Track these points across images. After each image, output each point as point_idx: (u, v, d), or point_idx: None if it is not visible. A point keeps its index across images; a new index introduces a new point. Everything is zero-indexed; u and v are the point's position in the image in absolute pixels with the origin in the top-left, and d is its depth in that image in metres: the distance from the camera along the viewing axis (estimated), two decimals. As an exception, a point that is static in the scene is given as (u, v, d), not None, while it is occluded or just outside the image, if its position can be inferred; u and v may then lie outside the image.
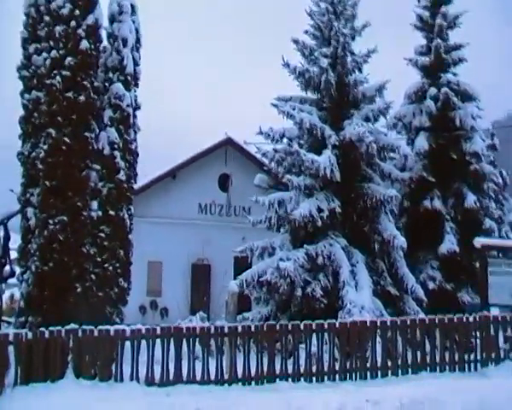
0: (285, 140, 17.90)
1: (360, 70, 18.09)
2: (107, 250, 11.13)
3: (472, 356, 12.21)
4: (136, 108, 12.68)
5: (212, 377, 10.25)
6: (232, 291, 12.66)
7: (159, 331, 10.05)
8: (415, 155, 18.23)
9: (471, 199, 17.36)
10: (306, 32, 18.62)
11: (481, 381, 11.43)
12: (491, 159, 30.90)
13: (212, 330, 10.43)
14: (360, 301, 14.59)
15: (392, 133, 19.29)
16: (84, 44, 10.76)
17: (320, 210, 15.89)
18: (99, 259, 10.97)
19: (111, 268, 11.11)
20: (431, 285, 16.89)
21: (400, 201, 18.28)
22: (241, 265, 19.10)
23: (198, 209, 23.75)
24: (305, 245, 15.60)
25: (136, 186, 22.97)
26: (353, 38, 18.30)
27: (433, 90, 18.50)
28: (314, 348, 11.05)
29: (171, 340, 10.07)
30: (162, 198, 23.13)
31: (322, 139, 16.96)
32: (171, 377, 10.02)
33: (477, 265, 15.90)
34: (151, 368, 9.91)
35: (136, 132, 12.55)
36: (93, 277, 10.78)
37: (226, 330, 10.47)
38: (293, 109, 17.16)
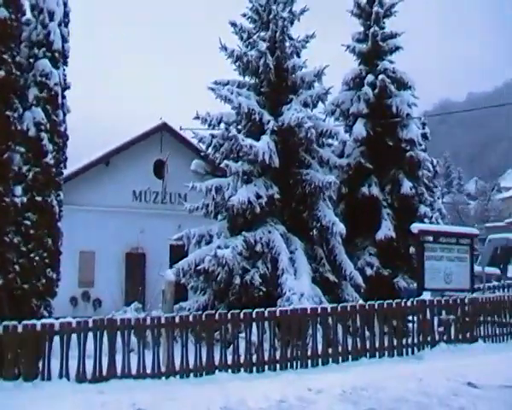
0: (222, 125, 17.46)
1: (298, 55, 17.86)
2: (33, 239, 10.29)
3: (409, 341, 12.35)
4: (65, 87, 11.83)
5: (149, 370, 9.78)
6: (169, 280, 12.16)
7: (91, 324, 9.47)
8: (353, 142, 18.28)
9: (407, 185, 17.58)
10: (244, 15, 18.18)
11: (418, 364, 11.57)
12: (423, 147, 31.84)
13: (148, 321, 9.95)
14: (299, 289, 14.41)
15: (330, 120, 19.24)
16: (2, 13, 9.83)
17: (258, 196, 15.60)
18: (24, 248, 10.13)
19: (37, 258, 10.30)
20: (368, 271, 16.99)
21: (338, 187, 18.30)
22: (178, 253, 18.55)
23: (132, 197, 22.91)
24: (243, 232, 15.26)
25: (67, 172, 21.82)
26: (292, 23, 17.98)
27: (370, 78, 18.55)
28: (254, 338, 10.79)
29: (104, 333, 9.50)
30: (95, 185, 22.13)
31: (260, 125, 16.64)
32: (104, 372, 9.46)
33: (412, 250, 16.16)
34: (82, 364, 9.30)
35: (65, 114, 11.71)
36: (17, 268, 9.95)
37: (163, 320, 10.00)
38: (231, 93, 16.73)
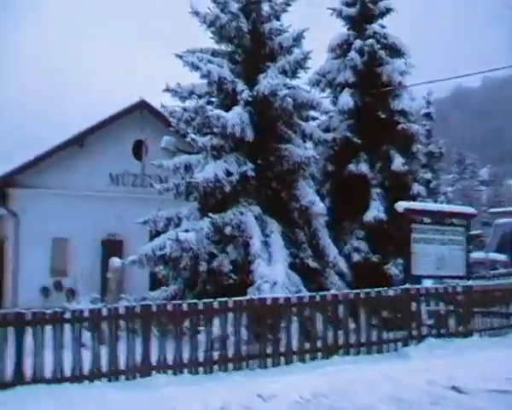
0: (195, 98, 15.83)
1: (278, 19, 16.10)
2: None
3: (391, 335, 10.70)
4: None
5: (68, 372, 8.20)
6: (114, 268, 10.60)
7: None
8: (338, 114, 16.51)
9: (398, 161, 15.77)
10: (217, -28, 16.43)
11: (400, 363, 9.95)
12: (426, 127, 29.96)
13: (68, 314, 8.35)
14: (273, 276, 12.75)
15: (315, 91, 17.47)
16: None
17: (229, 174, 13.97)
18: None
19: None
20: (356, 257, 15.27)
21: (324, 165, 16.66)
22: (158, 239, 17.04)
23: (109, 180, 21.33)
24: (209, 214, 13.64)
25: (37, 153, 20.69)
26: (270, -16, 16.23)
27: (358, 43, 16.68)
28: (203, 335, 9.21)
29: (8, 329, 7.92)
30: (68, 168, 20.56)
31: (234, 95, 14.96)
32: (8, 377, 7.88)
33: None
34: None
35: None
36: None
37: (87, 313, 8.41)
38: (201, 61, 15.06)
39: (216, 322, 9.24)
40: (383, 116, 16.49)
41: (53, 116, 28.22)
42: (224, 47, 16.39)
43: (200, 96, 15.78)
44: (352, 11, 17.59)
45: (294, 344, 9.70)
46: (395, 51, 17.15)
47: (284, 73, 15.32)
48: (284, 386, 8.41)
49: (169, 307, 9.02)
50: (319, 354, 9.90)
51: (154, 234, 18.33)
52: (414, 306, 11.00)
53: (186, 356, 8.90)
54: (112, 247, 20.85)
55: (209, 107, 14.43)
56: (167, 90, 15.65)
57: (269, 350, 9.49)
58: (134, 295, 15.17)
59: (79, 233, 19.93)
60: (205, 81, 15.51)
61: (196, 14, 15.83)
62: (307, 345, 9.87)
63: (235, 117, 14.05)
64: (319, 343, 9.93)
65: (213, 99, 15.94)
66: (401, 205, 12.46)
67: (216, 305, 9.19)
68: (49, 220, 19.66)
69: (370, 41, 16.41)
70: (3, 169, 20.10)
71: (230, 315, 9.31)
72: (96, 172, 20.83)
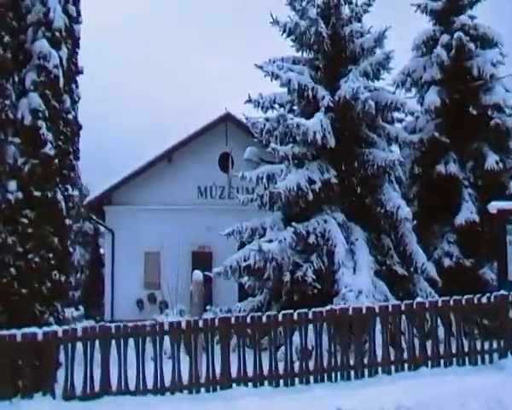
0: (277, 107, 15.83)
1: (360, 21, 15.74)
2: (31, 238, 9.33)
3: (486, 346, 9.99)
4: (76, 72, 10.80)
5: (150, 385, 8.38)
6: (196, 280, 10.74)
7: (80, 333, 8.21)
8: (425, 114, 15.80)
9: (492, 159, 14.81)
10: (296, -20, 16.33)
11: (496, 376, 9.22)
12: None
13: (149, 327, 8.55)
14: (358, 285, 12.45)
15: (400, 91, 16.87)
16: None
17: (311, 182, 13.78)
18: (20, 249, 9.18)
19: (37, 259, 9.31)
20: (447, 262, 14.52)
21: (411, 167, 16.02)
22: (247, 251, 17.11)
23: (197, 193, 21.86)
24: (292, 223, 13.52)
25: (128, 171, 21.63)
26: (350, -15, 15.89)
27: (444, 38, 15.90)
28: (283, 346, 9.10)
29: (96, 342, 8.24)
30: (158, 184, 21.35)
31: (315, 102, 14.79)
32: (96, 387, 8.19)
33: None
34: (70, 378, 8.09)
35: (75, 101, 10.67)
36: (12, 270, 9.00)
37: (166, 327, 8.58)
38: (281, 69, 15.02)
39: (296, 334, 9.09)
40: (473, 112, 15.59)
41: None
42: (304, 54, 16.26)
43: (281, 105, 15.76)
44: (438, 4, 16.83)
45: (379, 355, 9.32)
46: (487, 42, 16.19)
47: (366, 75, 14.96)
48: (366, 400, 8.06)
49: (248, 320, 8.98)
50: (406, 365, 9.42)
51: (243, 245, 18.58)
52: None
53: (266, 368, 8.81)
54: (202, 259, 21.24)
55: (290, 115, 14.34)
56: (249, 100, 15.73)
57: (351, 362, 9.18)
58: (222, 306, 15.45)
59: (170, 246, 20.41)
60: (285, 90, 15.52)
61: (277, 23, 15.80)
62: (392, 356, 9.44)
63: (316, 124, 13.85)
64: (405, 354, 9.47)
65: (295, 107, 15.86)
66: (494, 205, 11.64)
67: (295, 316, 9.04)
68: (141, 235, 20.46)
69: (458, 34, 15.58)
70: (101, 189, 21.34)
71: (310, 326, 9.11)
72: (185, 186, 21.37)
